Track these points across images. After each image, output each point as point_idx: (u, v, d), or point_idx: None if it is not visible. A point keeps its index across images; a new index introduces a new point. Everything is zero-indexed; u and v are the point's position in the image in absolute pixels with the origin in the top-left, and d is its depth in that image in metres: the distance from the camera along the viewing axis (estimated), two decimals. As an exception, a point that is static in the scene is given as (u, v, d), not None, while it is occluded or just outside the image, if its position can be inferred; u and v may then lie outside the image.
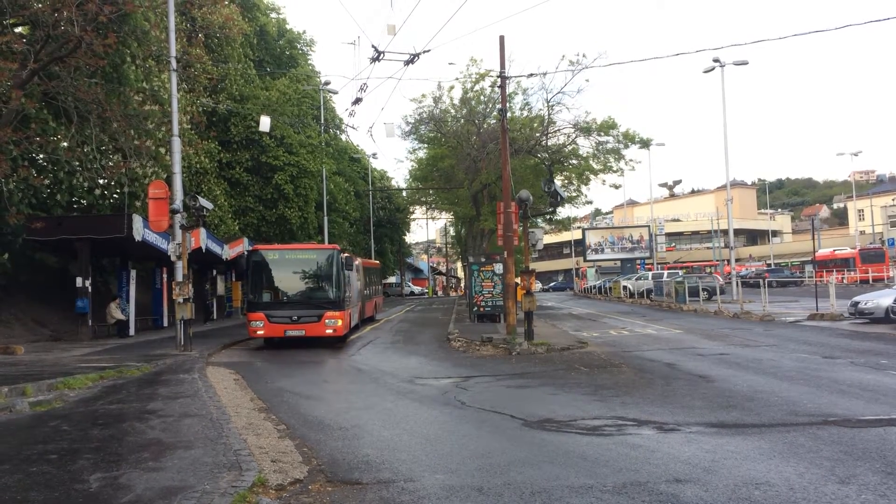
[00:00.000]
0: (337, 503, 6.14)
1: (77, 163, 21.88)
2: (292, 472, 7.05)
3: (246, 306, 22.17)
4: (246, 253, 18.54)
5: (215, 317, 35.60)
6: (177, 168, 20.93)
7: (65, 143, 21.52)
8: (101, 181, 23.85)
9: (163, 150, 24.36)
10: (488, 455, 7.71)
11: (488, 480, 6.70)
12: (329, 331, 20.66)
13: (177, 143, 21.15)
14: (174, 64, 21.36)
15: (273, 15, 48.63)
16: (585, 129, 37.67)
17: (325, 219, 43.14)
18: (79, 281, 23.10)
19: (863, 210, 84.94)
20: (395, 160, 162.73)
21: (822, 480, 6.46)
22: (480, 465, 7.26)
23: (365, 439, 8.73)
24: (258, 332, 20.64)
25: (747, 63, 41.86)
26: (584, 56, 47.43)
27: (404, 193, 63.78)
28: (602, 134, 38.09)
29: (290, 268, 21.57)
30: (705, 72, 42.23)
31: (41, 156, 22.22)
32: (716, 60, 41.94)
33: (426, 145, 47.61)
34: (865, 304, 23.26)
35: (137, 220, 22.06)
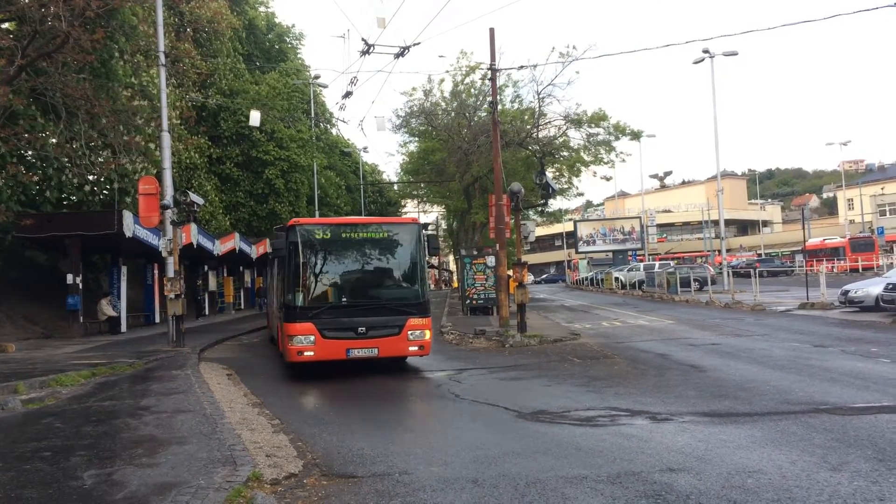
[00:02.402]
0: (332, 497, 6.14)
1: (66, 159, 21.73)
2: (287, 466, 7.04)
3: (282, 313, 14.32)
4: (282, 232, 13.93)
5: (207, 312, 35.50)
6: (167, 163, 20.83)
7: (53, 140, 21.37)
8: (90, 177, 23.71)
9: (152, 146, 24.22)
10: (483, 447, 7.72)
11: (483, 472, 6.72)
12: (413, 348, 13.80)
13: (166, 139, 21.04)
14: (163, 59, 21.22)
15: (262, 9, 48.39)
16: (576, 122, 37.64)
17: (317, 213, 43.02)
18: (69, 278, 22.99)
19: (852, 199, 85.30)
20: (385, 154, 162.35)
21: (815, 468, 6.50)
22: (475, 457, 7.28)
23: (359, 433, 8.74)
24: (305, 354, 13.15)
25: (737, 54, 41.88)
26: (574, 48, 47.26)
27: (395, 187, 63.71)
28: (593, 126, 38.05)
29: (350, 252, 14.33)
30: (695, 63, 42.19)
31: (30, 153, 22.06)
32: (705, 51, 41.93)
33: (417, 139, 47.44)
34: (855, 292, 23.38)
35: (128, 217, 21.95)
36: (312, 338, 13.12)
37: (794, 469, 6.51)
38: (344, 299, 13.78)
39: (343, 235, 14.13)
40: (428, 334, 13.93)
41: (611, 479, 6.39)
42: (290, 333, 13.21)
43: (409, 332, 13.65)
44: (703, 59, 42.11)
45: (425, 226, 15.42)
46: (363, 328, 13.37)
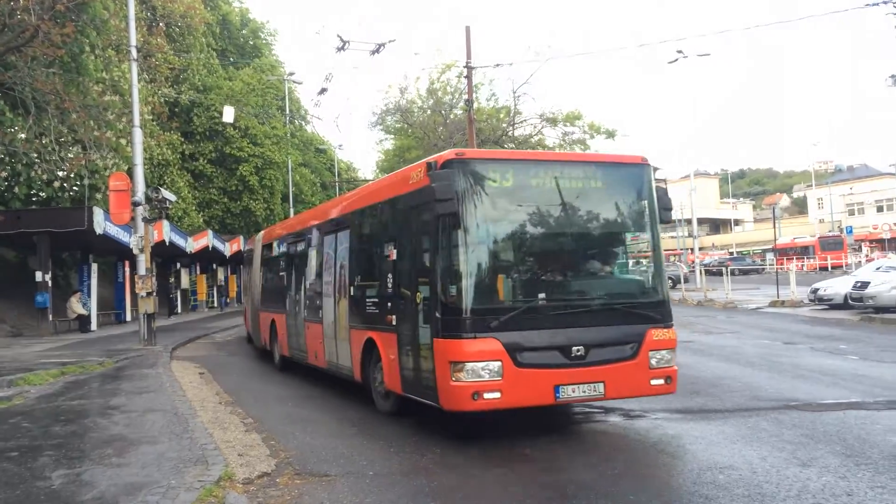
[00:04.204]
0: (305, 496, 6.10)
1: (35, 155, 21.39)
2: (259, 465, 6.99)
3: (439, 324, 7.65)
4: (431, 170, 7.76)
5: (179, 311, 35.15)
6: (138, 160, 20.54)
7: (22, 135, 21.01)
8: (60, 173, 23.34)
9: (123, 142, 23.89)
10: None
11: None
12: (657, 381, 8.10)
13: (138, 135, 20.75)
14: (134, 53, 20.92)
15: (236, 4, 48.09)
16: (552, 120, 37.83)
17: (292, 210, 42.77)
18: (38, 275, 22.60)
19: (822, 199, 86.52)
20: (361, 151, 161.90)
21: (785, 464, 6.58)
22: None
23: (334, 431, 8.71)
24: (485, 397, 7.37)
25: (710, 55, 42.17)
26: (549, 47, 47.55)
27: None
28: (568, 125, 38.27)
29: (547, 212, 8.19)
30: (670, 63, 42.55)
31: (-2, 148, 21.72)
32: (679, 52, 42.29)
33: (393, 136, 47.40)
34: (825, 290, 23.74)
35: (98, 213, 21.64)
36: (499, 365, 7.34)
37: (764, 465, 6.59)
38: (542, 297, 7.87)
39: (535, 182, 8.09)
40: (674, 357, 8.29)
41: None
42: (455, 358, 7.35)
43: (651, 355, 7.97)
44: (676, 60, 42.48)
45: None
46: (579, 348, 7.66)
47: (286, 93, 44.95)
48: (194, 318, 33.07)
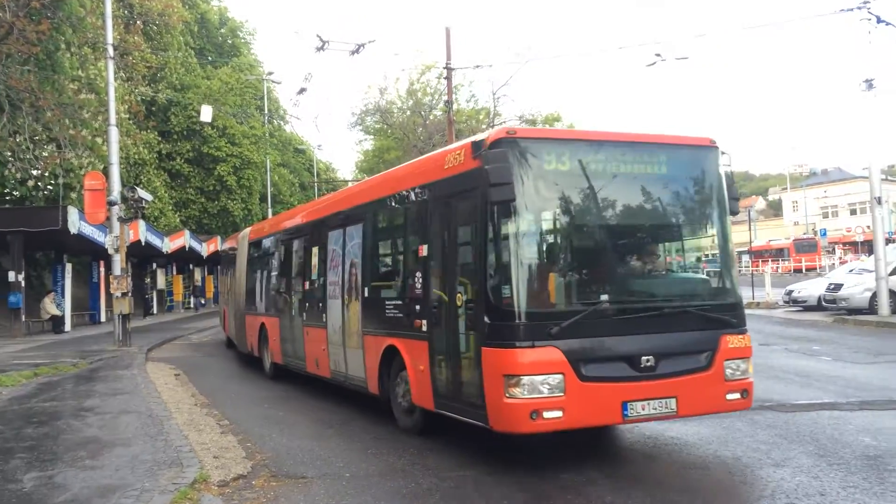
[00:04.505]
0: (281, 498, 6.07)
1: (9, 153, 21.10)
2: (235, 467, 6.93)
3: (487, 330, 6.54)
4: (479, 150, 6.65)
5: (155, 311, 34.87)
6: (114, 159, 20.33)
7: (-5, 133, 20.75)
8: (34, 172, 23.05)
9: (99, 141, 23.65)
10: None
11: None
12: (734, 395, 7.00)
13: (114, 133, 20.54)
14: (111, 52, 20.72)
15: (214, 3, 47.82)
16: (531, 122, 37.98)
17: (270, 211, 42.55)
18: (11, 275, 22.29)
19: (797, 202, 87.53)
20: (341, 152, 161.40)
21: (759, 464, 6.65)
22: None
23: (311, 433, 8.67)
24: (545, 416, 6.26)
25: (688, 58, 42.59)
26: (528, 49, 47.71)
27: (350, 185, 63.39)
28: (547, 126, 38.45)
29: (609, 201, 7.13)
30: (648, 66, 42.96)
31: (-30, 146, 21.41)
32: (657, 55, 42.64)
33: (372, 137, 47.36)
34: (799, 292, 24.03)
35: (73, 213, 21.39)
36: (560, 379, 6.32)
37: (738, 465, 6.66)
38: (605, 298, 6.82)
39: (596, 165, 6.97)
40: (750, 367, 7.20)
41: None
42: (510, 371, 6.31)
43: (726, 365, 6.97)
44: (654, 63, 42.80)
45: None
46: (649, 357, 6.64)
47: (265, 92, 44.73)
48: (170, 318, 32.80)
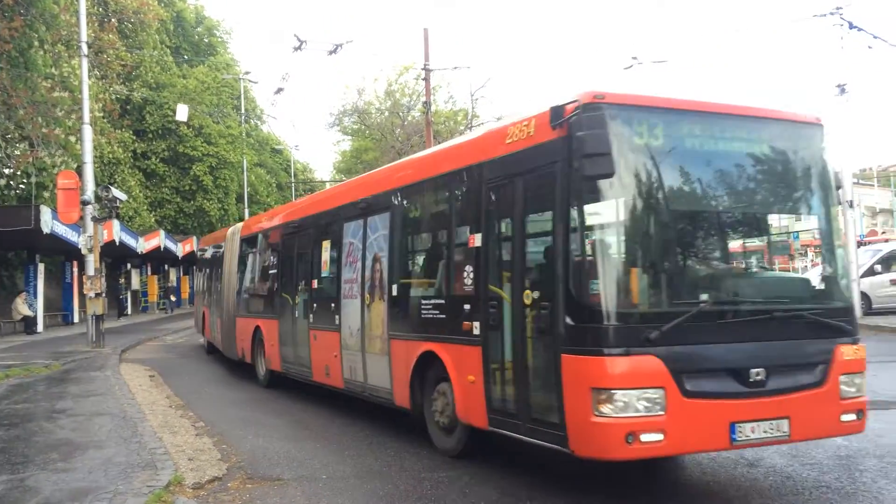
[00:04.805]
0: (257, 500, 6.03)
1: (-20, 151, 20.82)
2: (210, 469, 6.87)
3: (569, 334, 5.46)
4: (561, 118, 5.54)
5: (129, 312, 34.58)
6: (88, 157, 20.11)
7: (-34, 131, 20.46)
8: (6, 171, 22.81)
9: (73, 139, 23.40)
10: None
11: (411, 473, 6.69)
12: (848, 416, 5.89)
13: (88, 132, 20.31)
14: (85, 49, 20.48)
15: (190, 1, 47.43)
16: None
17: (247, 211, 42.29)
18: (-18, 275, 22.01)
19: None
20: (318, 152, 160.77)
21: (733, 464, 6.71)
22: (403, 458, 7.25)
23: (288, 435, 8.63)
24: (643, 440, 5.18)
25: (666, 61, 42.98)
26: (506, 50, 47.84)
27: (328, 186, 63.23)
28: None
29: (716, 183, 6.07)
30: (625, 69, 43.22)
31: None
32: (634, 58, 42.92)
33: (350, 137, 47.28)
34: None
35: (45, 212, 21.11)
36: (661, 394, 5.32)
37: (713, 465, 6.72)
38: (706, 298, 5.88)
39: (696, 140, 5.99)
40: (865, 384, 6.14)
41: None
42: (600, 384, 5.29)
43: (842, 380, 5.92)
44: (631, 66, 43.11)
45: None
46: (759, 370, 5.60)
47: (242, 92, 44.49)
48: (145, 319, 32.51)
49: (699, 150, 5.92)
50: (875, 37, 20.51)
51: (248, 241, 14.52)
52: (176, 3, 43.69)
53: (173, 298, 42.47)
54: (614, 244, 5.60)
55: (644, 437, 5.13)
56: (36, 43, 22.10)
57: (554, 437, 5.57)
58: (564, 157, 5.51)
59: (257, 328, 13.03)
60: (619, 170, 5.36)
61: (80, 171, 20.52)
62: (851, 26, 19.81)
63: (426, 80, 22.99)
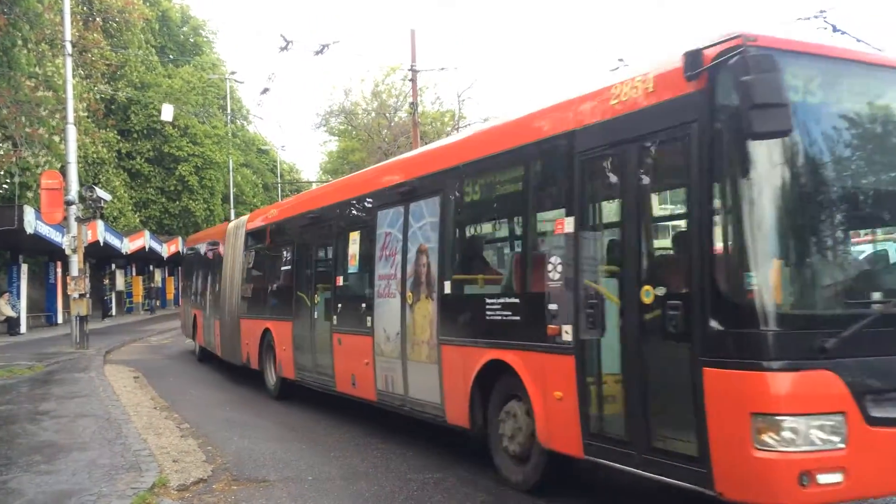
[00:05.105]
0: (242, 502, 6.01)
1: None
2: (195, 471, 6.84)
3: (710, 337, 4.30)
4: (690, 65, 4.35)
5: (114, 313, 34.34)
6: (72, 157, 20.00)
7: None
8: (-11, 171, 22.62)
9: (57, 139, 23.25)
10: (397, 448, 7.69)
11: (397, 474, 6.69)
12: None
13: (72, 132, 20.20)
14: (69, 48, 20.38)
15: (176, 1, 47.20)
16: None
17: (233, 212, 42.12)
18: (-36, 276, 21.84)
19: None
20: (305, 153, 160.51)
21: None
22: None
23: (273, 436, 8.61)
24: (819, 481, 4.02)
25: (650, 63, 43.37)
26: (493, 52, 47.99)
27: (314, 186, 63.10)
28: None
29: (885, 157, 4.85)
30: (612, 71, 43.51)
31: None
32: (620, 60, 43.24)
33: (337, 138, 47.21)
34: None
35: (29, 212, 20.97)
36: (841, 421, 4.11)
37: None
38: (880, 298, 4.80)
39: (868, 97, 4.79)
40: None
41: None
42: (761, 408, 4.10)
43: None
44: (617, 69, 43.39)
45: None
46: None
47: (227, 92, 44.34)
48: (130, 320, 32.35)
49: (889, 114, 4.81)
50: (858, 40, 20.49)
51: (256, 235, 13.07)
52: (161, 2, 43.48)
53: (157, 301, 42.25)
54: (779, 226, 4.33)
55: (821, 478, 4.02)
56: (19, 42, 21.96)
57: (689, 473, 4.43)
58: (706, 114, 4.38)
59: (266, 331, 11.75)
60: (795, 126, 4.13)
61: (63, 171, 20.41)
62: (835, 29, 19.91)
63: (413, 80, 23.00)
